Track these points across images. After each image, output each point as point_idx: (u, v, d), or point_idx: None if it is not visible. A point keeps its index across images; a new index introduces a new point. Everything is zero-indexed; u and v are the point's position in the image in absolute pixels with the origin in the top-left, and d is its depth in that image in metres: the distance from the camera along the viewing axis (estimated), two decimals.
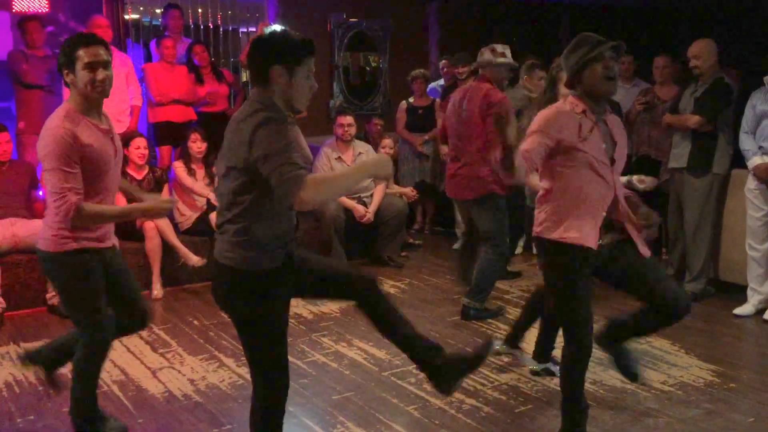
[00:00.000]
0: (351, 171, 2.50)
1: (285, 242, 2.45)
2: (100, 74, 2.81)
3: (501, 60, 4.61)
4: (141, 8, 7.63)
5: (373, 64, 8.51)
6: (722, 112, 4.88)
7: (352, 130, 6.08)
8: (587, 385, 3.62)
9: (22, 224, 4.90)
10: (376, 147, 6.43)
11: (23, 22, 5.73)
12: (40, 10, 6.41)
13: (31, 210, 5.10)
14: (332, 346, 4.26)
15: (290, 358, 4.00)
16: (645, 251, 2.98)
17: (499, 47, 4.64)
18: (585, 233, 2.84)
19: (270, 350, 2.50)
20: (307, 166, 2.38)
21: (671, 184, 5.28)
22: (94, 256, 2.95)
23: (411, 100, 6.90)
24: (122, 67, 5.85)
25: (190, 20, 7.48)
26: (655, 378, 3.75)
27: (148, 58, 6.96)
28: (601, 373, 3.80)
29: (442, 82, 7.15)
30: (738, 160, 4.97)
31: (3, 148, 4.96)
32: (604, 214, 2.87)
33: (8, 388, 3.71)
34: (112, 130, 3.00)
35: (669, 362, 3.97)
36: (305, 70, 2.40)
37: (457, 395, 3.55)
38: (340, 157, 6.07)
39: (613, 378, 3.73)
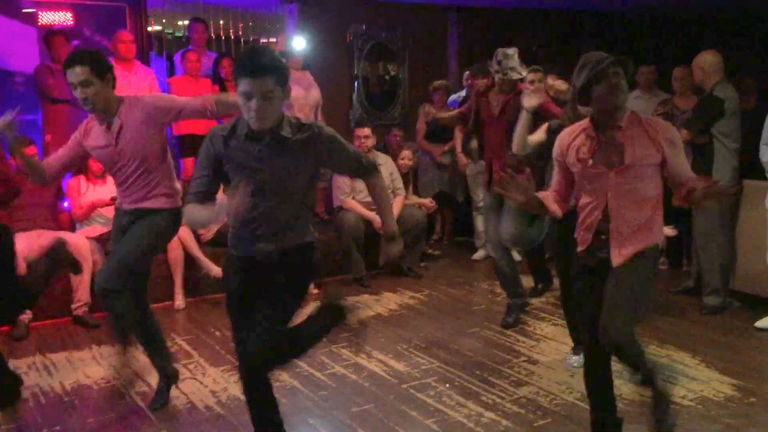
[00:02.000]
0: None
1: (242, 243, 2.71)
2: (80, 94, 3.17)
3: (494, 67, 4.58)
4: (164, 20, 7.75)
5: (392, 73, 8.56)
6: (710, 125, 4.85)
7: (369, 142, 6.13)
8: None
9: (49, 236, 4.98)
10: (395, 158, 6.47)
11: (49, 36, 5.84)
12: (65, 24, 6.55)
13: (57, 221, 5.21)
14: (352, 358, 4.30)
15: (310, 370, 4.08)
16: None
17: (500, 53, 4.53)
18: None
19: None
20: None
21: None
22: None
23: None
24: (145, 80, 5.94)
25: (212, 32, 7.57)
26: (675, 392, 3.73)
27: (172, 71, 7.06)
28: (620, 387, 3.78)
29: (463, 93, 7.17)
30: (753, 170, 4.95)
31: None
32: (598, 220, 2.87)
33: (34, 399, 3.79)
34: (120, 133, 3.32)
35: (689, 376, 3.95)
36: (240, 89, 2.46)
37: (476, 408, 3.58)
38: None
39: (633, 392, 3.72)
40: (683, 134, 4.85)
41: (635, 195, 2.82)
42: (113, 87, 3.31)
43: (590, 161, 2.82)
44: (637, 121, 2.82)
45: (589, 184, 2.86)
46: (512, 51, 4.47)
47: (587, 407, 3.49)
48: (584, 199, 2.92)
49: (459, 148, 6.64)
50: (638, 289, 2.86)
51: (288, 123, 2.58)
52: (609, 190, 2.82)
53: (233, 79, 2.51)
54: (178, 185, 3.58)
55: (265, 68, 2.42)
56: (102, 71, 3.21)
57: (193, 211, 2.63)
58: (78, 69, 3.13)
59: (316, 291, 5.71)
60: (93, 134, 3.37)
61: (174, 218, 3.49)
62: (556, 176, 3.01)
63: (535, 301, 5.34)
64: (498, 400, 3.67)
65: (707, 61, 4.89)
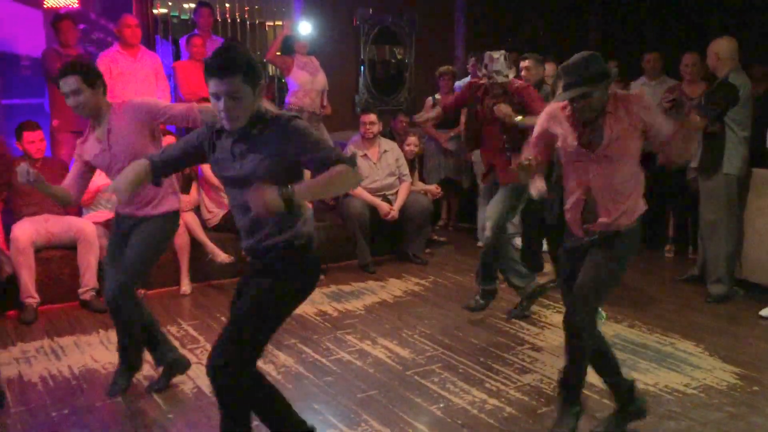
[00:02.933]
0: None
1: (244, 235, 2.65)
2: (72, 102, 3.39)
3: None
4: (170, 3, 7.73)
5: (399, 57, 8.53)
6: (725, 112, 4.82)
7: (375, 128, 6.12)
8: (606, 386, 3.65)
9: (56, 221, 5.03)
10: (401, 144, 6.46)
11: (56, 21, 5.83)
12: (70, 7, 6.54)
13: (64, 207, 5.21)
14: (357, 344, 4.32)
15: (315, 356, 4.11)
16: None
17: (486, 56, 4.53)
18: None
19: None
20: None
21: (697, 183, 5.25)
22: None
23: (437, 96, 6.91)
24: (151, 65, 5.94)
25: (218, 16, 7.55)
26: (678, 380, 3.76)
27: (177, 55, 7.05)
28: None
29: (468, 79, 7.14)
30: (760, 159, 4.93)
31: (37, 146, 5.07)
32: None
33: (43, 382, 3.83)
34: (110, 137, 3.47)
35: (692, 364, 3.97)
36: (209, 89, 2.43)
37: (480, 395, 3.60)
38: (365, 155, 6.11)
39: (636, 380, 3.74)
40: (697, 121, 4.84)
41: (616, 176, 2.96)
42: (104, 94, 3.50)
43: (575, 143, 2.97)
44: (615, 102, 2.96)
45: (572, 165, 3.03)
46: (498, 54, 4.47)
47: (591, 394, 3.53)
48: (570, 182, 3.08)
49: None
50: (607, 273, 3.02)
51: (259, 119, 2.49)
52: (590, 171, 2.97)
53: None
54: (176, 185, 3.72)
55: (231, 68, 2.37)
56: (92, 80, 3.42)
57: (127, 171, 2.63)
58: (70, 79, 3.36)
59: (321, 277, 5.73)
60: (89, 143, 3.54)
61: (175, 218, 3.69)
62: (537, 142, 3.18)
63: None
64: (502, 387, 3.70)
65: (723, 47, 4.85)
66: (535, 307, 4.89)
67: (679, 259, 6.15)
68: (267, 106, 2.56)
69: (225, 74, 2.37)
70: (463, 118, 6.54)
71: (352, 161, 2.47)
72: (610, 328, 4.51)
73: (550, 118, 3.11)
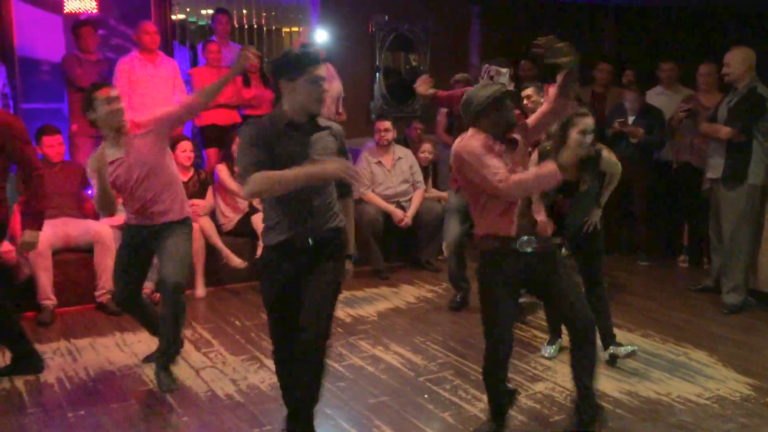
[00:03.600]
0: (293, 172, 2.68)
1: (285, 228, 2.83)
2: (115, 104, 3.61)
3: None
4: (188, 9, 7.80)
5: (414, 64, 8.56)
6: (755, 123, 4.81)
7: (389, 135, 6.15)
8: (621, 395, 3.65)
9: (74, 224, 5.09)
10: (415, 151, 6.48)
11: (77, 27, 5.91)
12: (90, 12, 6.62)
13: (82, 210, 5.28)
14: (369, 350, 4.35)
15: (328, 361, 4.13)
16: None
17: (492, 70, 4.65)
18: None
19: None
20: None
21: (712, 193, 5.24)
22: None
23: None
24: (169, 71, 6.00)
25: (235, 21, 7.61)
26: (691, 390, 3.75)
27: (195, 61, 7.12)
28: (636, 384, 3.81)
29: None
30: None
31: (56, 150, 5.15)
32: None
33: (59, 383, 3.88)
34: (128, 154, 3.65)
35: (706, 375, 3.96)
36: (308, 78, 2.75)
37: None
38: (380, 162, 6.15)
39: (648, 389, 3.74)
40: (727, 132, 4.84)
41: None
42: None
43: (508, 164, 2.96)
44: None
45: None
46: (505, 70, 4.53)
47: (603, 404, 3.53)
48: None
49: None
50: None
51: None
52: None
53: (294, 72, 2.75)
54: (184, 198, 3.91)
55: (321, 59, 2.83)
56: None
57: (261, 176, 2.69)
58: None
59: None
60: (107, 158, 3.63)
61: (190, 222, 3.91)
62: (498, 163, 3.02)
63: None
64: None
65: (743, 56, 4.85)
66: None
67: (693, 269, 6.12)
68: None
69: (322, 62, 2.81)
70: None
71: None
72: (623, 337, 4.50)
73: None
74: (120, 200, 3.78)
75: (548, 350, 4.24)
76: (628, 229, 6.59)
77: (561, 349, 4.23)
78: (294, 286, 2.87)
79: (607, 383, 3.81)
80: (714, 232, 5.28)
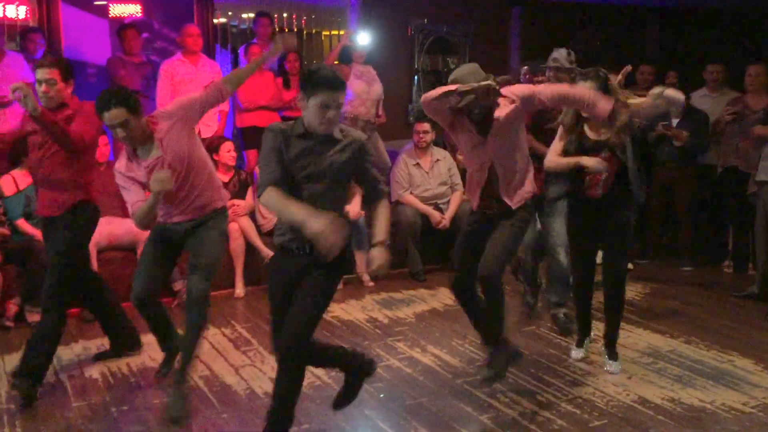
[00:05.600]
0: (294, 210, 2.79)
1: (287, 231, 2.94)
2: (120, 133, 3.39)
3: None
4: (229, 13, 7.91)
5: (452, 67, 8.53)
6: None
7: (428, 137, 6.15)
8: (664, 402, 3.59)
9: (118, 223, 5.19)
10: (453, 153, 6.46)
11: (122, 30, 6.04)
12: (134, 16, 6.76)
13: (123, 209, 5.35)
14: (407, 351, 4.34)
15: (309, 366, 4.13)
16: None
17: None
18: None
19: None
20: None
21: (759, 197, 5.12)
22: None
23: None
24: (211, 73, 6.08)
25: (275, 25, 7.70)
26: (736, 399, 3.67)
27: (236, 63, 7.21)
28: (679, 391, 3.74)
29: None
30: None
31: (102, 151, 5.26)
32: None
33: (104, 379, 3.96)
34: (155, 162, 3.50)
35: (751, 383, 3.86)
36: (319, 101, 2.78)
37: (530, 406, 3.58)
38: (418, 164, 6.15)
39: (692, 397, 3.67)
40: None
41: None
42: (142, 114, 3.50)
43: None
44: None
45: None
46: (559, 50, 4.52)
47: (645, 410, 3.49)
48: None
49: None
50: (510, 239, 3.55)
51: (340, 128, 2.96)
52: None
53: (309, 90, 2.79)
54: (219, 182, 3.84)
55: (343, 84, 2.83)
56: (135, 107, 3.41)
57: (273, 196, 2.83)
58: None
59: (372, 283, 5.79)
60: (134, 169, 3.53)
61: (226, 211, 3.84)
62: None
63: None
64: (553, 399, 3.66)
65: None
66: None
67: (737, 275, 5.99)
68: None
69: (340, 87, 2.81)
70: None
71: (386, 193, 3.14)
72: (665, 343, 4.43)
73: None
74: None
75: (577, 353, 4.20)
76: (671, 234, 6.48)
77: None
78: (292, 285, 2.96)
79: (649, 389, 3.75)
80: (760, 238, 5.16)
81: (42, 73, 3.64)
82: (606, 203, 3.86)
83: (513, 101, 3.46)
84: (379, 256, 3.01)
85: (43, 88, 3.65)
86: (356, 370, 3.20)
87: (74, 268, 3.81)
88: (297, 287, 2.94)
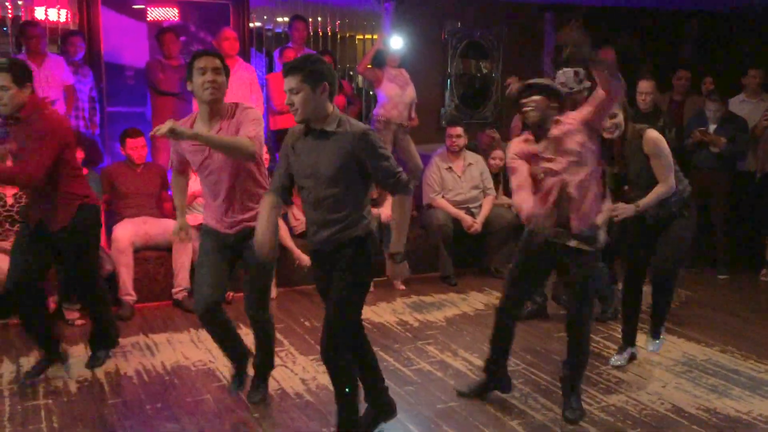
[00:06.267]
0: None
1: (310, 235, 3.02)
2: (209, 76, 3.20)
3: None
4: (264, 17, 7.99)
5: (485, 71, 8.52)
6: None
7: (461, 141, 6.14)
8: (699, 412, 3.54)
9: (154, 223, 5.28)
10: (486, 157, 6.45)
11: (161, 33, 6.14)
12: (172, 20, 6.87)
13: (161, 209, 5.47)
14: (437, 355, 4.34)
15: (396, 365, 4.15)
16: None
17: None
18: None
19: None
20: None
21: None
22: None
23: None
24: (247, 76, 6.15)
25: (311, 28, 7.75)
26: None
27: (270, 67, 7.28)
28: (714, 401, 3.68)
29: None
30: None
31: (139, 152, 5.35)
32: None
33: (138, 376, 4.02)
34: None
35: None
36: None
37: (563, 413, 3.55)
38: (450, 168, 6.14)
39: (728, 407, 3.61)
40: None
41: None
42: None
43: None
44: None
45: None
46: (566, 70, 4.43)
47: (679, 419, 3.44)
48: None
49: None
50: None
51: (335, 120, 2.89)
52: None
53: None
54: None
55: (292, 67, 2.85)
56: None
57: (261, 204, 3.01)
58: (214, 59, 3.27)
59: (402, 287, 5.79)
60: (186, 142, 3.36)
61: None
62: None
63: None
64: (586, 406, 3.61)
65: None
66: (619, 327, 4.75)
67: None
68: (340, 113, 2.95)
69: (287, 73, 2.83)
70: None
71: (407, 187, 2.96)
72: (701, 352, 4.36)
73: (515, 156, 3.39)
74: (200, 198, 3.68)
75: (617, 359, 4.19)
76: (708, 241, 6.37)
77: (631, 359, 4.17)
78: (326, 285, 3.04)
79: (683, 399, 3.70)
80: None
81: None
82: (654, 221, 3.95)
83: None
84: (395, 268, 3.10)
85: None
86: (378, 402, 3.27)
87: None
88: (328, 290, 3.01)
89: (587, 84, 4.35)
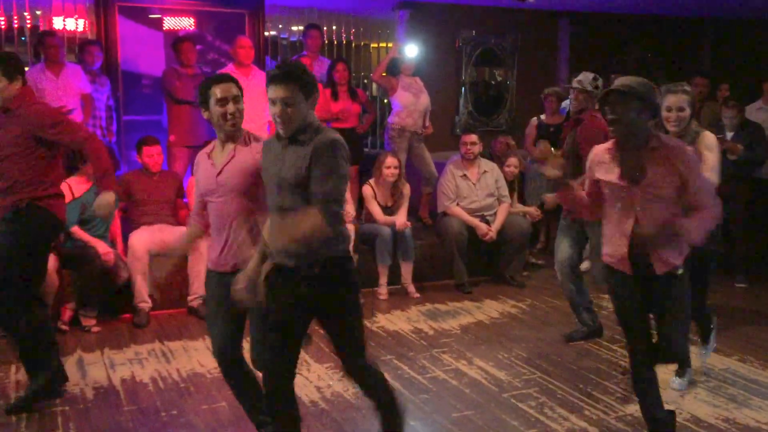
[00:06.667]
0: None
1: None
2: (231, 108, 2.98)
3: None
4: (279, 26, 8.04)
5: (499, 79, 8.52)
6: None
7: (476, 149, 6.13)
8: (718, 422, 3.49)
9: (170, 230, 5.30)
10: (501, 165, 6.43)
11: (178, 42, 6.18)
12: (188, 29, 6.93)
13: (177, 217, 5.50)
14: (453, 363, 4.32)
15: (411, 373, 4.14)
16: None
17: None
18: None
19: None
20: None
21: None
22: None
23: (542, 117, 6.84)
24: (262, 84, 6.13)
25: (324, 37, 7.79)
26: None
27: None
28: (734, 411, 3.64)
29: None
30: None
31: (155, 160, 5.38)
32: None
33: (154, 383, 4.03)
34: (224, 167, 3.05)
35: None
36: (269, 96, 2.63)
37: (579, 423, 3.52)
38: (465, 175, 6.13)
39: (747, 417, 3.57)
40: None
41: (660, 213, 2.85)
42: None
43: (616, 179, 2.92)
44: (658, 142, 2.86)
45: (616, 203, 2.95)
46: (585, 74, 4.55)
47: (698, 429, 3.41)
48: (612, 219, 2.99)
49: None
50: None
51: (308, 128, 2.67)
52: (635, 203, 2.89)
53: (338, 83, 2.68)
54: None
55: (288, 77, 2.61)
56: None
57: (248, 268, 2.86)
58: (233, 86, 3.02)
59: (417, 295, 5.78)
60: (202, 164, 3.15)
61: None
62: (587, 186, 3.15)
63: None
64: (603, 415, 3.60)
65: None
66: None
67: None
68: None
69: (281, 81, 2.60)
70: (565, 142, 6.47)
71: (330, 213, 2.59)
72: (719, 361, 4.31)
73: (593, 164, 3.05)
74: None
75: (677, 382, 3.94)
76: (725, 249, 6.31)
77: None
78: None
79: (702, 408, 3.65)
80: None
81: None
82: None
83: None
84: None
85: None
86: (390, 422, 2.96)
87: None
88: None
89: (602, 88, 4.43)
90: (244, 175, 2.99)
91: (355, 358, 2.88)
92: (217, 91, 2.97)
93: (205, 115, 3.05)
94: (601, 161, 3.00)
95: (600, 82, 4.55)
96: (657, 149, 2.86)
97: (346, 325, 2.83)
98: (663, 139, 2.90)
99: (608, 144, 3.03)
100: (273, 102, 2.62)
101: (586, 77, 4.54)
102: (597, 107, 3.70)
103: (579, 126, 4.50)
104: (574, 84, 4.58)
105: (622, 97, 2.80)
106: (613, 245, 2.98)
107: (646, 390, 3.06)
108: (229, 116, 2.99)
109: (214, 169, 3.07)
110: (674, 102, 3.58)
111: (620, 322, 3.10)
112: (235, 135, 3.06)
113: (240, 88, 3.05)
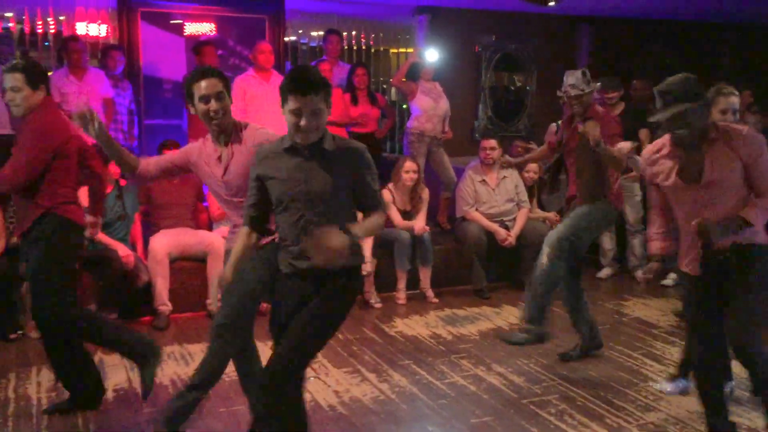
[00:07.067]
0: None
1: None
2: (214, 105, 2.97)
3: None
4: (300, 31, 8.09)
5: (518, 84, 8.49)
6: None
7: (495, 154, 6.10)
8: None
9: (189, 234, 5.33)
10: (520, 170, 6.40)
11: (199, 47, 6.23)
12: (209, 34, 6.99)
13: (196, 220, 5.53)
14: (471, 369, 4.30)
15: (429, 378, 4.12)
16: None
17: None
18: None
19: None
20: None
21: None
22: None
23: (560, 123, 6.79)
24: None
25: (344, 42, 7.81)
26: None
27: None
28: (756, 420, 3.58)
29: None
30: None
31: None
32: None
33: (173, 386, 4.05)
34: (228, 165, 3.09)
35: None
36: (288, 106, 2.54)
37: (600, 430, 3.49)
38: (484, 180, 6.11)
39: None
40: None
41: (725, 204, 2.86)
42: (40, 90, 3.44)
43: (674, 178, 2.92)
44: (717, 131, 2.86)
45: (679, 200, 2.97)
46: (574, 71, 4.34)
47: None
48: (679, 216, 3.03)
49: None
50: None
51: (330, 138, 2.65)
52: (698, 202, 2.89)
53: (282, 96, 2.57)
54: None
55: (313, 86, 2.52)
56: (32, 79, 3.39)
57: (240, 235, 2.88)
58: (215, 81, 3.00)
59: (435, 300, 5.76)
60: (207, 151, 3.16)
61: None
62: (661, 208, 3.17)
63: (663, 324, 5.15)
64: (624, 424, 3.56)
65: None
66: (658, 343, 4.71)
67: None
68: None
69: (310, 91, 2.51)
70: None
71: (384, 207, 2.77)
72: (741, 369, 4.23)
73: (650, 175, 3.06)
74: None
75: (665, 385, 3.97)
76: None
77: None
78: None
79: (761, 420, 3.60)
80: None
81: (7, 80, 3.41)
82: None
83: None
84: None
85: (8, 96, 3.43)
86: None
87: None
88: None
89: (597, 85, 4.36)
90: (247, 175, 2.95)
91: (289, 364, 2.69)
92: (201, 87, 2.96)
93: (191, 110, 3.06)
94: (658, 168, 3.00)
95: (590, 76, 4.33)
96: (716, 141, 2.85)
97: (313, 326, 2.67)
98: (721, 127, 2.89)
99: (657, 145, 3.02)
100: (295, 113, 2.52)
101: (577, 79, 4.25)
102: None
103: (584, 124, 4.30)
104: (574, 93, 4.26)
105: (683, 116, 2.81)
106: (688, 252, 3.00)
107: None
108: (212, 113, 2.98)
109: (219, 170, 3.10)
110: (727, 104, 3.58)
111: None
112: (225, 131, 3.06)
113: (226, 83, 3.03)
